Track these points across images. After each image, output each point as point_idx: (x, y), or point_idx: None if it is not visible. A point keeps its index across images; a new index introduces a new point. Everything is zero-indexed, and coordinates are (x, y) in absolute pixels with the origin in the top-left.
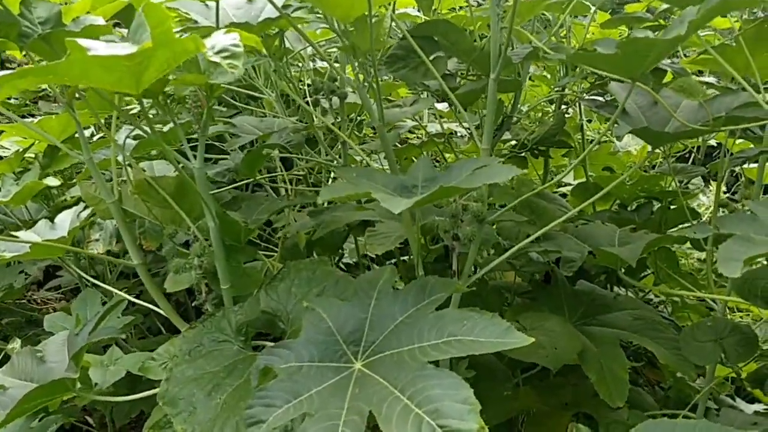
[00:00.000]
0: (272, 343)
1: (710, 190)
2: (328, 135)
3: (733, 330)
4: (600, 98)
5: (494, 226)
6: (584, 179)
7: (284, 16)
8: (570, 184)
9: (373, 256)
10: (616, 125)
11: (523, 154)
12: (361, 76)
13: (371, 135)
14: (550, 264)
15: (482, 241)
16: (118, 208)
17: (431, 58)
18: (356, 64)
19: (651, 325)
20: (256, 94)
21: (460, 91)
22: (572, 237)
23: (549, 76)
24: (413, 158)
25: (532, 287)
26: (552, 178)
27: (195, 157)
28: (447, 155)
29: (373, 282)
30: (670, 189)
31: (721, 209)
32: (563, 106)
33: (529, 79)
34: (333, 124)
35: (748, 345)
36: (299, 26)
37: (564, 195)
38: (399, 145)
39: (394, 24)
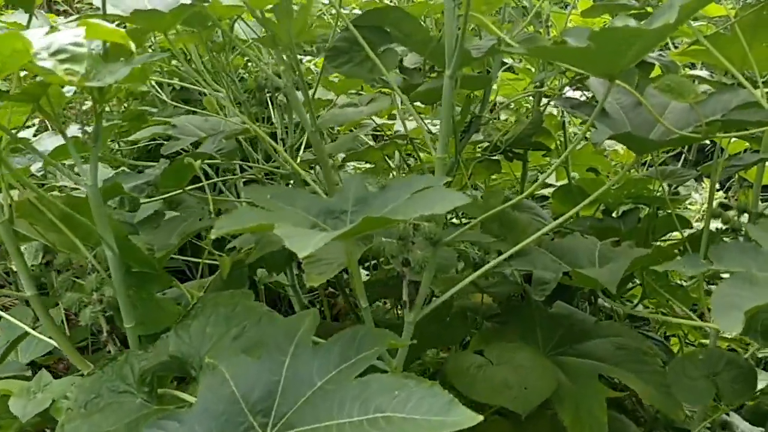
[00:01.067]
0: (185, 395)
1: (703, 188)
2: (295, 136)
3: (728, 364)
4: (576, 97)
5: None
6: (566, 181)
7: (197, 3)
8: (552, 185)
9: None
10: (594, 129)
11: (495, 157)
12: (287, 74)
13: (338, 134)
14: (522, 284)
15: (438, 266)
16: (8, 230)
17: (381, 50)
18: (281, 59)
19: (635, 356)
20: (207, 91)
21: (421, 89)
22: (547, 252)
23: (533, 69)
24: (386, 158)
25: (502, 309)
26: (532, 182)
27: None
28: (422, 154)
29: (290, 332)
30: (659, 194)
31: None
32: (542, 103)
33: (513, 71)
34: (274, 124)
35: (745, 381)
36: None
37: (545, 197)
38: (362, 146)
39: (339, 11)
